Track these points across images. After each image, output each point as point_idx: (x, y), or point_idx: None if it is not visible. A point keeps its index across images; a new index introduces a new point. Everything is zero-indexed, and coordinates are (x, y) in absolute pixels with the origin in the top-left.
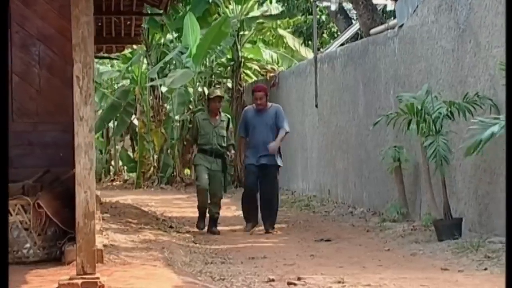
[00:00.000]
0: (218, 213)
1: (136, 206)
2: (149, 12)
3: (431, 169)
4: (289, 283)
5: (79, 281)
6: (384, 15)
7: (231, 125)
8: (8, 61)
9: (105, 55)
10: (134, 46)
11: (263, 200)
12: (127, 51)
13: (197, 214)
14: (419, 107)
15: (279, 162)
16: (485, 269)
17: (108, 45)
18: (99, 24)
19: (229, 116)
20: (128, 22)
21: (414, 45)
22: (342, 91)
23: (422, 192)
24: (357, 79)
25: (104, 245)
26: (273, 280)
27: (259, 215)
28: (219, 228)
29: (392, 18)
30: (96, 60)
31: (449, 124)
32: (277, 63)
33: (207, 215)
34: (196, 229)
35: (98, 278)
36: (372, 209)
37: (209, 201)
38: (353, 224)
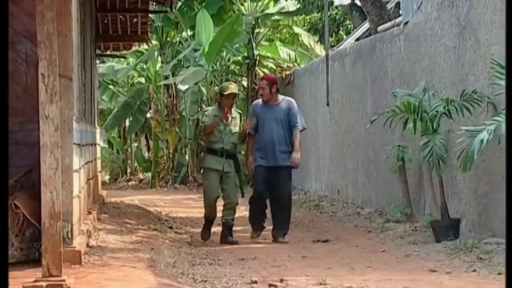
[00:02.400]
0: (233, 220)
1: (140, 206)
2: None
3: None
4: (270, 285)
5: (44, 284)
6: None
7: (243, 122)
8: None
9: (117, 53)
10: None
11: (274, 206)
12: (141, 48)
13: (202, 215)
14: (416, 105)
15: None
16: (474, 270)
17: (115, 43)
18: (105, 22)
19: (240, 112)
20: (135, 20)
21: (418, 43)
22: (352, 89)
23: (425, 192)
24: (366, 77)
25: (90, 246)
26: (255, 282)
27: (266, 220)
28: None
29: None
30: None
31: (451, 123)
32: (295, 61)
33: (214, 222)
34: (194, 230)
35: (64, 280)
36: (379, 210)
37: (222, 207)
38: (357, 225)
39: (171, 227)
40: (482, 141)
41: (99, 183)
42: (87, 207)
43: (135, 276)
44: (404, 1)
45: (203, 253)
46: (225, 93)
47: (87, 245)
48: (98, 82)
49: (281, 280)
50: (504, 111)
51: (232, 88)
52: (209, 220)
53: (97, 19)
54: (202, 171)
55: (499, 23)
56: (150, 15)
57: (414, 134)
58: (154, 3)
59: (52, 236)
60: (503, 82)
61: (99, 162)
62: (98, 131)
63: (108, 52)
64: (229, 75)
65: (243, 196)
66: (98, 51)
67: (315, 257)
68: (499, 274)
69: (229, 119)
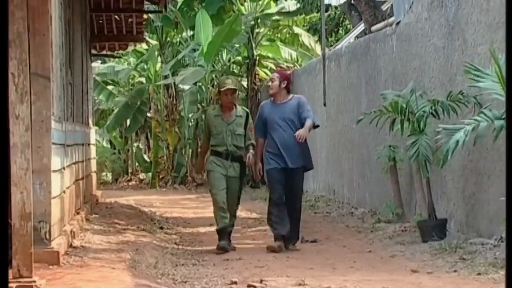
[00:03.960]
0: (232, 227)
1: (135, 206)
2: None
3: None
4: (249, 286)
5: (14, 285)
6: None
7: (250, 121)
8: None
9: (113, 53)
10: (144, 44)
11: (287, 209)
12: (141, 48)
13: (196, 215)
14: (404, 106)
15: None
16: (455, 271)
17: (110, 43)
18: (100, 21)
19: (247, 110)
20: (130, 20)
21: (409, 43)
22: (347, 89)
23: (416, 192)
24: (360, 77)
25: (74, 247)
26: (235, 282)
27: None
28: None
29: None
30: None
31: (439, 124)
32: (297, 61)
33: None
34: (185, 230)
35: (34, 281)
36: (373, 210)
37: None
38: (348, 225)
39: (161, 227)
40: (457, 141)
41: (93, 183)
42: (75, 208)
43: (112, 277)
44: (396, 1)
45: (189, 253)
46: (222, 89)
47: (70, 246)
48: (95, 82)
49: (261, 281)
50: (484, 110)
51: (229, 82)
52: (224, 228)
53: (91, 19)
54: (206, 174)
55: (485, 23)
56: (150, 15)
57: (401, 135)
58: (150, 3)
59: (22, 236)
60: (480, 84)
61: (93, 162)
62: (92, 131)
63: (104, 52)
64: (229, 75)
65: (238, 203)
66: (93, 51)
67: (300, 258)
68: (479, 274)
69: (232, 116)
